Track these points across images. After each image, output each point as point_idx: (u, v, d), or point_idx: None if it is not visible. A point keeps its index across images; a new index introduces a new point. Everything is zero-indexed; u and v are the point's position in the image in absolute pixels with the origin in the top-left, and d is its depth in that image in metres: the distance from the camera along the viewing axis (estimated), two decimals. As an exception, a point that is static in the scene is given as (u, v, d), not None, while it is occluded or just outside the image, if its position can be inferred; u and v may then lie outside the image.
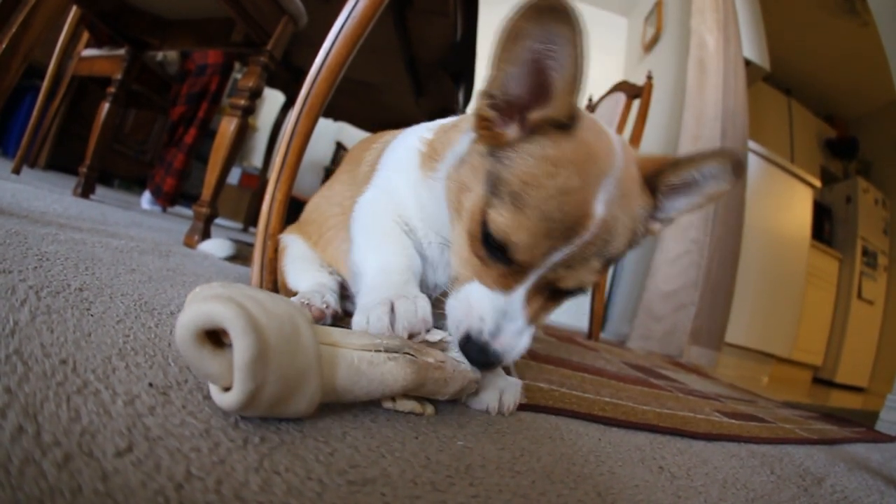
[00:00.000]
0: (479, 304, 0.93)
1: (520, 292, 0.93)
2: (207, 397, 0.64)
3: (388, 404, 0.83)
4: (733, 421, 1.59)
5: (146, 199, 4.31)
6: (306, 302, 1.18)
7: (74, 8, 3.58)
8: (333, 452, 0.61)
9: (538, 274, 0.92)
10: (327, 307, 1.20)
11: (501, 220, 0.91)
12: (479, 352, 0.91)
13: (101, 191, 3.86)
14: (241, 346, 0.55)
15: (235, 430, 0.58)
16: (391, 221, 1.25)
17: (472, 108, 1.09)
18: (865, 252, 8.10)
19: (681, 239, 4.44)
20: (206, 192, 2.47)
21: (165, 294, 1.12)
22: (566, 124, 0.93)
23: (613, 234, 0.92)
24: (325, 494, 0.51)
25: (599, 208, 0.89)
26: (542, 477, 0.72)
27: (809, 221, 6.76)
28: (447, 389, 0.88)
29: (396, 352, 0.79)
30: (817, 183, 6.76)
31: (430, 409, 0.88)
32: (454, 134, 1.21)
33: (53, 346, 0.65)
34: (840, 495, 1.10)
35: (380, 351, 0.77)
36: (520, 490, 0.66)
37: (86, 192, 3.22)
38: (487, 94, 0.98)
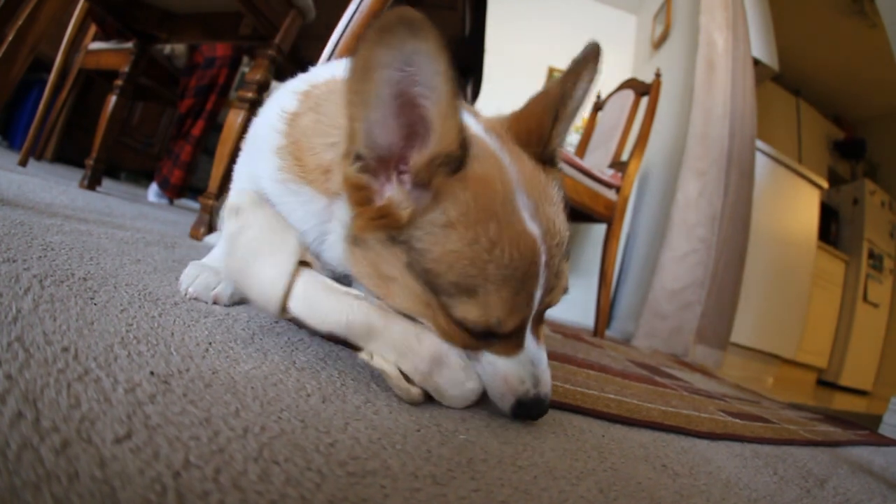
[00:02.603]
0: (512, 373, 0.90)
1: (530, 341, 0.91)
2: (209, 386, 0.65)
3: (363, 356, 0.88)
4: (737, 421, 1.59)
5: (153, 191, 4.31)
6: None
7: (82, 1, 3.57)
8: (334, 443, 0.61)
9: (532, 317, 0.90)
10: None
11: (472, 317, 0.82)
12: (536, 407, 0.90)
13: (107, 183, 3.87)
14: None
15: (236, 419, 0.58)
16: (252, 196, 1.09)
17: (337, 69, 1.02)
18: (871, 254, 8.08)
19: (688, 237, 4.43)
20: (213, 185, 2.48)
21: (170, 285, 1.12)
22: (458, 157, 0.79)
23: (559, 230, 0.89)
24: (324, 485, 0.51)
25: (536, 226, 0.83)
26: (544, 472, 0.72)
27: (816, 222, 6.73)
28: (422, 348, 0.86)
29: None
30: (825, 184, 6.74)
31: (414, 391, 0.85)
32: (329, 130, 0.97)
33: (56, 334, 0.65)
34: (842, 498, 1.10)
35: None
36: (521, 485, 0.66)
37: (92, 184, 3.23)
38: (353, 156, 0.82)
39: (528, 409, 0.90)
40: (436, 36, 0.68)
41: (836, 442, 1.76)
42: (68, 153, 5.07)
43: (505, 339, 0.89)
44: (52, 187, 2.45)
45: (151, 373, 0.63)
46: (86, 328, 0.71)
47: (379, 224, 0.84)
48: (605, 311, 3.89)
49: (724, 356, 4.69)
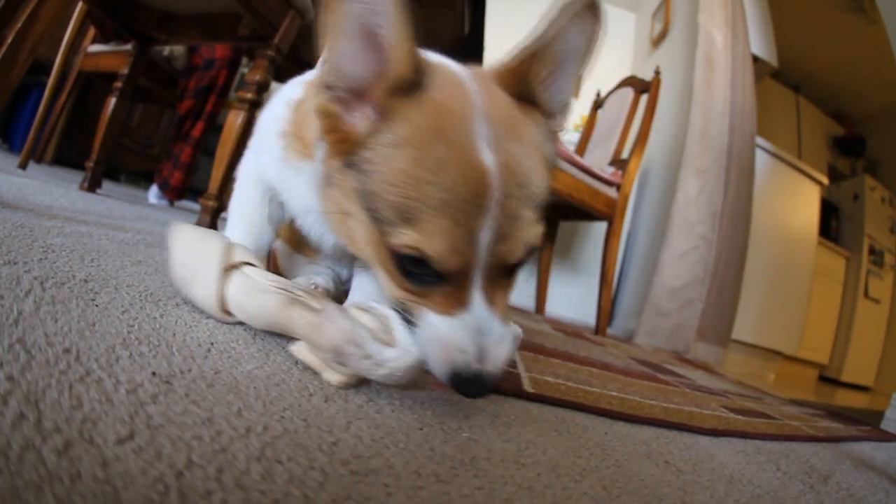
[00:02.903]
0: (452, 336, 0.80)
1: (478, 299, 0.82)
2: (211, 386, 0.65)
3: (293, 348, 0.90)
4: (740, 417, 1.59)
5: (153, 193, 4.32)
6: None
7: (80, 3, 3.57)
8: (337, 442, 0.61)
9: (482, 268, 0.80)
10: (316, 288, 1.20)
11: (408, 242, 0.78)
12: (475, 384, 0.79)
13: (107, 185, 3.87)
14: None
15: (238, 419, 0.58)
16: (258, 196, 1.26)
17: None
18: (872, 250, 8.10)
19: (688, 235, 4.43)
20: (213, 186, 2.48)
21: (171, 286, 1.12)
22: (415, 81, 0.82)
23: (523, 172, 0.82)
24: (328, 484, 0.51)
25: (490, 157, 0.78)
26: (547, 469, 0.72)
27: (817, 218, 6.73)
28: (322, 340, 0.81)
29: (284, 290, 0.90)
30: (825, 180, 6.74)
31: (336, 378, 0.83)
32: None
33: (57, 336, 0.65)
34: (846, 493, 1.10)
35: (274, 287, 0.91)
36: (525, 482, 0.66)
37: (92, 186, 3.22)
38: (325, 86, 0.87)
39: (465, 384, 0.79)
40: None
41: (838, 438, 1.76)
42: (68, 155, 5.07)
43: (446, 289, 0.82)
44: (53, 190, 2.45)
45: (153, 373, 0.63)
46: (87, 330, 0.71)
47: (340, 149, 0.88)
48: (607, 309, 3.90)
49: (726, 353, 4.69)
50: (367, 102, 0.86)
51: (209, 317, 0.98)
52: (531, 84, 0.94)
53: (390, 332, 0.85)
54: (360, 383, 0.86)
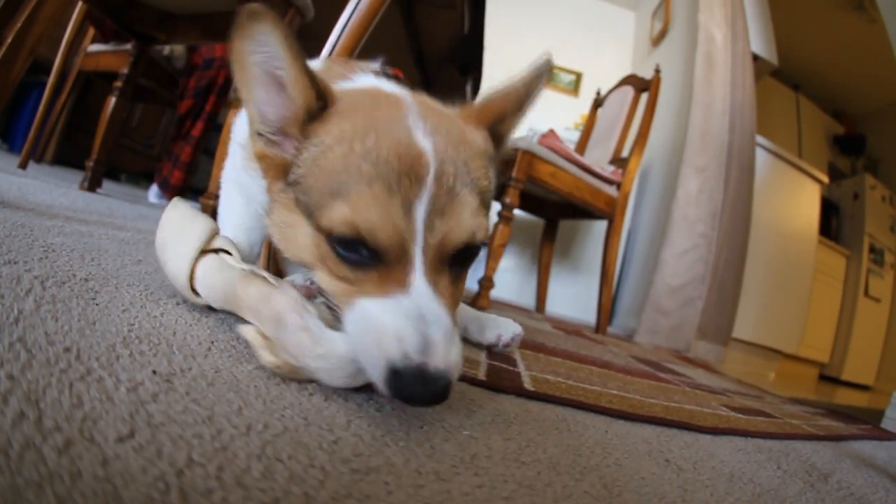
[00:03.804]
0: (385, 322, 0.71)
1: (419, 281, 0.75)
2: (211, 384, 0.65)
3: (241, 327, 0.86)
4: (740, 416, 1.59)
5: (153, 192, 4.32)
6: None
7: (80, 3, 3.57)
8: (337, 440, 0.61)
9: (420, 245, 0.76)
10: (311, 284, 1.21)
11: (338, 216, 0.76)
12: (417, 383, 0.65)
13: (107, 185, 3.87)
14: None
15: (239, 417, 0.59)
16: (237, 194, 1.29)
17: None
18: (873, 249, 8.10)
19: (689, 233, 4.43)
20: (213, 185, 2.48)
21: (171, 285, 1.12)
22: (322, 105, 0.87)
23: (461, 157, 0.82)
24: (328, 482, 0.51)
25: (425, 139, 0.80)
26: (547, 468, 0.72)
27: (817, 217, 6.74)
28: (266, 309, 0.80)
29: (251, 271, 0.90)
30: (825, 179, 6.75)
31: (270, 359, 0.77)
32: None
33: (57, 335, 0.66)
34: (846, 491, 1.10)
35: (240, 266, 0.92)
36: (525, 481, 0.66)
37: (92, 185, 3.22)
38: (257, 135, 0.94)
39: (406, 386, 0.66)
40: (272, 17, 0.82)
41: (838, 436, 1.76)
42: (68, 155, 5.07)
43: (383, 270, 0.76)
44: (53, 189, 2.45)
45: (154, 372, 0.64)
46: (88, 328, 0.71)
47: (277, 174, 0.93)
48: (607, 307, 3.92)
49: (726, 352, 4.69)
50: (291, 135, 0.91)
51: (209, 315, 0.98)
52: (498, 117, 1.02)
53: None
54: (295, 375, 0.77)
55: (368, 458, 0.59)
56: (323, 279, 0.85)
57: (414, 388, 0.66)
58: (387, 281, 0.76)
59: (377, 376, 0.68)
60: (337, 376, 0.75)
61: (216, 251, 0.98)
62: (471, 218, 0.80)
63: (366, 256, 0.77)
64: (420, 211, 0.76)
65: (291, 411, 0.65)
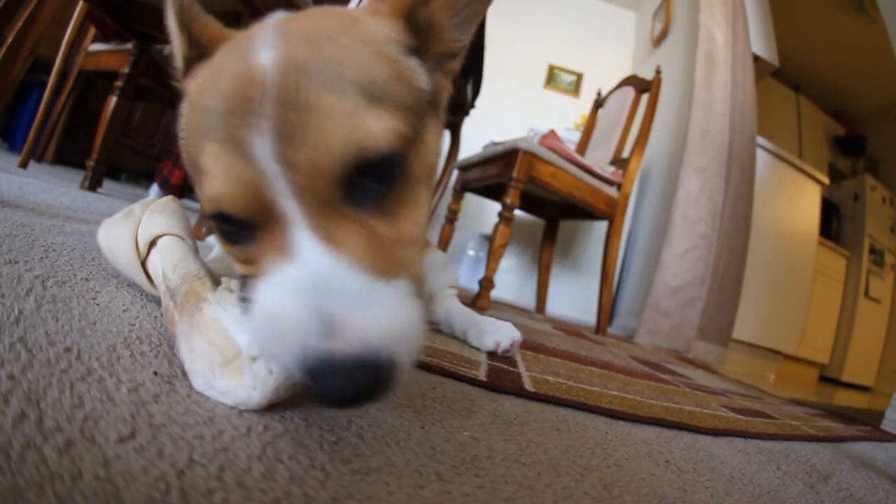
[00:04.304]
0: (277, 307, 0.55)
1: (305, 240, 0.57)
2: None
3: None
4: (740, 417, 1.59)
5: (154, 191, 4.31)
6: None
7: (80, 2, 3.57)
8: (338, 441, 0.61)
9: (286, 191, 0.57)
10: None
11: (201, 192, 0.64)
12: (329, 376, 0.50)
13: (108, 184, 3.88)
14: None
15: (239, 419, 0.59)
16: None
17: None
18: (873, 250, 8.09)
19: (689, 234, 4.44)
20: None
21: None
22: (196, 52, 0.76)
23: (321, 56, 0.60)
24: (328, 483, 0.51)
25: (266, 55, 0.59)
26: (548, 469, 0.72)
27: (818, 218, 6.74)
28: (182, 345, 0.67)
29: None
30: (825, 180, 6.75)
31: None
32: None
33: (58, 335, 0.65)
34: (846, 493, 1.10)
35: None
36: (526, 481, 0.66)
37: (93, 185, 3.23)
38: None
39: (321, 386, 0.51)
40: None
41: (838, 437, 1.76)
42: (69, 155, 5.07)
43: (266, 238, 0.61)
44: (53, 189, 2.45)
45: (155, 373, 0.64)
46: (88, 328, 0.71)
47: None
48: (607, 308, 3.92)
49: (726, 352, 4.70)
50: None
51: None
52: (433, 8, 0.78)
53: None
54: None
55: (369, 459, 0.59)
56: (237, 268, 0.71)
57: (326, 382, 0.50)
58: (273, 251, 0.59)
59: (305, 379, 0.53)
60: (254, 402, 0.61)
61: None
62: (343, 123, 0.57)
63: (243, 229, 0.63)
64: (263, 148, 0.57)
65: (292, 412, 0.65)
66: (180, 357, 0.66)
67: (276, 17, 0.70)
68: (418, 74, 0.72)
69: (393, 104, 0.63)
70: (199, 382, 0.63)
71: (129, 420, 0.50)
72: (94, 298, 0.86)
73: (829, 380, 7.91)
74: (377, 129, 0.59)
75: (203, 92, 0.64)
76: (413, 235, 0.66)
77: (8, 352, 0.56)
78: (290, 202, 0.57)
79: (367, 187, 0.60)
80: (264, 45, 0.61)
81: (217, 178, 0.60)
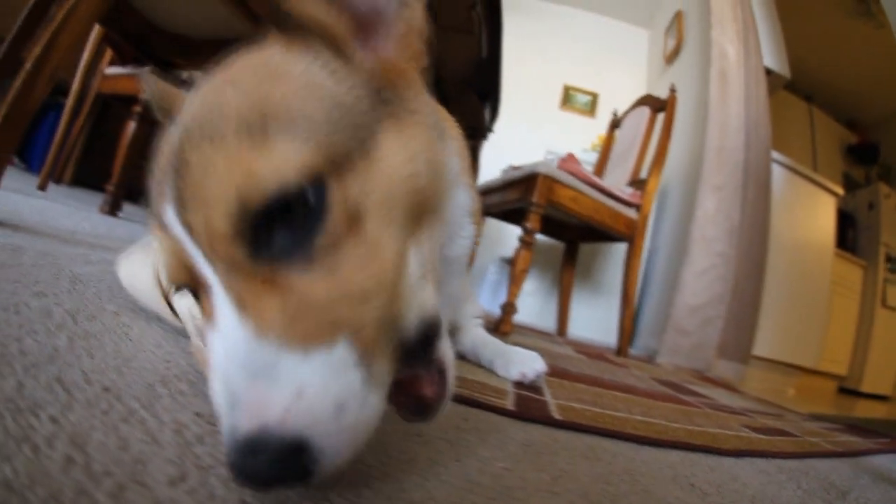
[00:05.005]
0: (211, 362, 0.52)
1: (219, 301, 0.52)
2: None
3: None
4: (762, 436, 1.60)
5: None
6: None
7: (97, 27, 3.60)
8: (381, 477, 0.62)
9: (197, 254, 0.53)
10: None
11: None
12: (235, 456, 0.45)
13: (127, 207, 3.89)
14: None
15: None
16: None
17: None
18: (889, 258, 8.04)
19: (707, 253, 4.42)
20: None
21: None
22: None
23: (207, 114, 0.53)
24: (376, 520, 0.51)
25: (178, 118, 0.57)
26: (579, 497, 0.73)
27: (833, 230, 6.71)
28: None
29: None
30: (840, 191, 6.71)
31: None
32: None
33: (94, 373, 0.66)
34: (864, 508, 1.11)
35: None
36: (559, 511, 0.66)
37: (113, 209, 3.27)
38: None
39: (228, 461, 0.45)
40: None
41: (856, 452, 1.76)
42: (86, 176, 5.09)
43: (205, 303, 0.55)
44: (73, 213, 2.47)
45: (197, 414, 0.64)
46: (124, 366, 0.72)
47: None
48: (628, 329, 3.93)
49: (746, 369, 4.68)
50: None
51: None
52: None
53: None
54: None
55: (412, 493, 0.60)
56: None
57: (232, 464, 0.45)
58: (207, 315, 0.55)
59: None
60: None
61: None
62: (221, 175, 0.50)
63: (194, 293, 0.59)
64: (172, 217, 0.54)
65: None
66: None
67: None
68: (339, 78, 0.60)
69: (294, 130, 0.53)
70: None
71: (177, 462, 0.51)
72: (127, 334, 0.87)
73: (848, 391, 7.85)
74: (261, 167, 0.50)
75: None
76: (366, 286, 0.53)
77: (47, 392, 0.57)
78: (205, 268, 0.53)
79: (277, 238, 0.51)
80: (181, 111, 0.59)
81: (161, 252, 0.58)
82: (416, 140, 0.63)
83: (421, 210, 0.62)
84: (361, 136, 0.57)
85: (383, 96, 0.63)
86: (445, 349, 0.62)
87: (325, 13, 0.63)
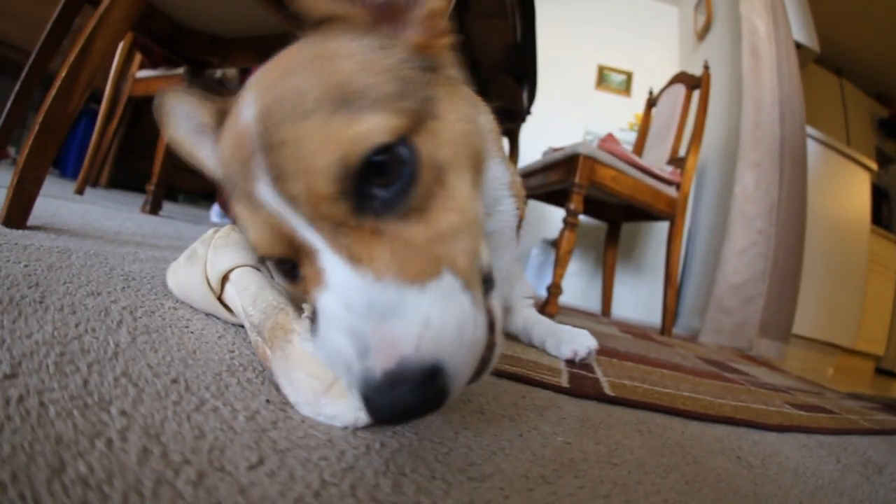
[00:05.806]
0: (319, 332, 0.58)
1: (327, 260, 0.58)
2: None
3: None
4: (802, 413, 1.60)
5: (215, 212, 4.33)
6: None
7: (128, 32, 3.63)
8: (449, 452, 0.64)
9: (300, 220, 0.59)
10: None
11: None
12: (374, 396, 0.51)
13: (167, 206, 3.92)
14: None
15: (356, 439, 0.61)
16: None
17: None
18: (924, 235, 7.91)
19: (747, 230, 4.41)
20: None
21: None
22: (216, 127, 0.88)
23: (285, 96, 0.61)
24: (452, 492, 0.54)
25: (250, 110, 0.63)
26: (636, 468, 0.75)
27: (868, 206, 6.60)
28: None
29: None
30: (874, 166, 6.57)
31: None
32: None
33: (161, 366, 0.68)
34: (898, 482, 1.12)
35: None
36: (619, 480, 0.69)
37: (154, 208, 3.32)
38: None
39: (368, 398, 0.51)
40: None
41: (893, 430, 1.76)
42: (122, 178, 5.14)
43: (307, 271, 0.63)
44: (115, 214, 2.50)
45: (267, 400, 0.66)
46: (189, 358, 0.74)
47: None
48: (672, 308, 3.94)
49: (787, 348, 4.65)
50: None
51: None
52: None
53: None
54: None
55: (481, 467, 0.62)
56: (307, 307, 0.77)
57: (374, 403, 0.51)
58: (313, 280, 0.61)
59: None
60: (363, 421, 0.64)
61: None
62: (317, 142, 0.57)
63: (292, 267, 0.66)
64: (268, 193, 0.60)
65: (402, 428, 0.68)
66: (283, 391, 0.69)
67: (256, 72, 0.73)
68: (388, 53, 0.67)
69: (371, 99, 0.60)
70: (306, 411, 0.65)
71: (254, 447, 0.53)
72: (187, 327, 0.89)
73: (885, 372, 7.76)
74: (355, 133, 0.57)
75: (221, 160, 0.70)
76: (454, 225, 0.62)
77: (114, 387, 0.58)
78: (308, 232, 0.59)
79: (377, 193, 0.59)
80: (246, 105, 0.65)
81: (250, 230, 0.65)
82: (462, 102, 0.73)
83: (478, 161, 0.73)
84: (425, 101, 0.65)
85: (430, 66, 0.71)
86: (495, 303, 0.66)
87: (340, 6, 0.71)
